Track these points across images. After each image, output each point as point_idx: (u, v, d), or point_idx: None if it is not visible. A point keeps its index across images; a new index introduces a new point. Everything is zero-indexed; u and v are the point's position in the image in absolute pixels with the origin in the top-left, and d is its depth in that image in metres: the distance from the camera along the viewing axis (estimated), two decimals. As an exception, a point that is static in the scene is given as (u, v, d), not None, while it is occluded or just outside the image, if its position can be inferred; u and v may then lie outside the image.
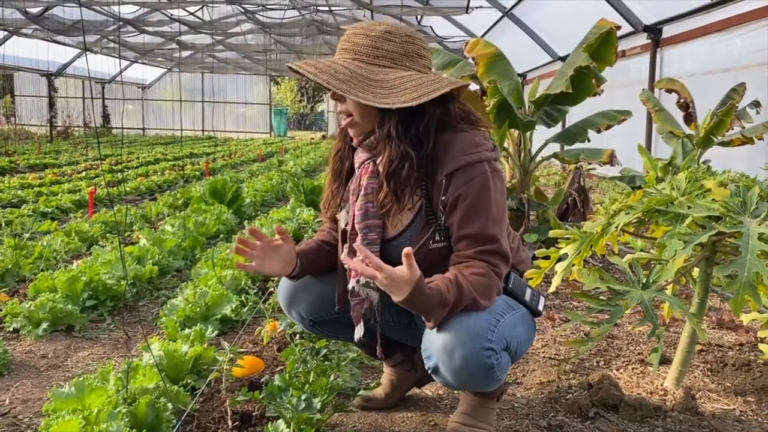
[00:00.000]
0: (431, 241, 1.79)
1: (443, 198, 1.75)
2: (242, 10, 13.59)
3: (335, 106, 1.89)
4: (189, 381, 2.31)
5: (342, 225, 1.94)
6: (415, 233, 1.81)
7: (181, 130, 25.75)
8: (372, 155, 1.85)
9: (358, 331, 1.89)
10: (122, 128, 24.81)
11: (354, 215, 1.86)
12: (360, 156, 1.89)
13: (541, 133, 4.80)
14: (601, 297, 2.10)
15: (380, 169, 1.81)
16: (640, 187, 3.14)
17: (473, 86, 4.81)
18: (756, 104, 4.90)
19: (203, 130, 27.27)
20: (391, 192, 1.78)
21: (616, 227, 2.11)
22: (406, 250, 1.56)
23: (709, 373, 2.59)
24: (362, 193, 1.84)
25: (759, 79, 5.95)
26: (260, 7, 13.06)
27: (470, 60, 4.50)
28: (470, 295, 1.66)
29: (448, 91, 1.75)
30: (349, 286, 1.85)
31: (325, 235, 2.08)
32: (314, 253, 2.01)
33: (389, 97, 1.68)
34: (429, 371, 1.77)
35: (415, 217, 1.82)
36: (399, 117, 1.73)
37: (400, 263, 1.59)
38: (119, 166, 11.35)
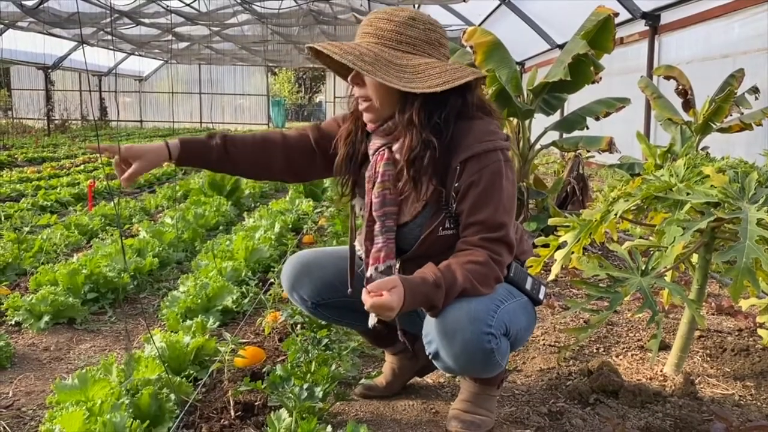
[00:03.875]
0: (441, 228, 1.79)
1: (456, 185, 1.75)
2: (239, 1, 13.52)
3: (347, 91, 1.86)
4: (191, 372, 2.31)
5: (357, 212, 1.95)
6: (426, 219, 1.82)
7: (178, 122, 25.68)
8: (387, 141, 1.83)
9: (372, 319, 1.88)
10: (102, 119, 24.72)
11: (371, 202, 1.85)
12: (374, 142, 1.87)
13: (539, 122, 4.80)
14: (601, 284, 2.11)
15: (397, 156, 1.80)
16: (639, 174, 3.14)
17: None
18: (755, 90, 4.89)
19: (201, 122, 27.19)
20: (411, 180, 1.78)
21: (615, 214, 2.12)
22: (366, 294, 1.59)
23: (708, 358, 2.60)
24: (379, 180, 1.83)
25: (758, 65, 5.94)
26: (256, -2, 13.01)
27: (468, 48, 4.48)
28: (467, 281, 1.67)
29: (468, 81, 1.74)
30: (368, 274, 1.85)
31: (281, 135, 1.98)
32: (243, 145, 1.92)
33: (414, 82, 1.67)
34: (429, 356, 1.78)
35: (428, 203, 1.81)
36: (422, 103, 1.72)
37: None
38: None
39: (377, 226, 1.84)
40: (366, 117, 1.82)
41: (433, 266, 1.69)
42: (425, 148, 1.74)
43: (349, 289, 1.96)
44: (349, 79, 1.77)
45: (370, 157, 1.88)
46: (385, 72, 1.66)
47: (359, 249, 1.94)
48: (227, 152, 1.90)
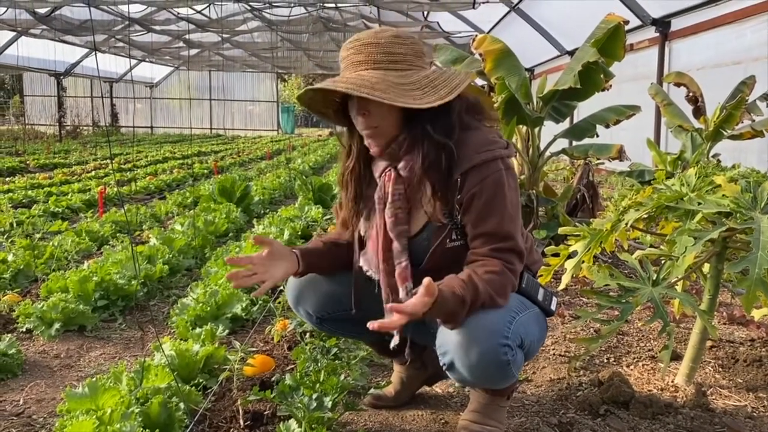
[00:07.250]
0: (448, 240, 1.80)
1: (458, 197, 1.76)
2: (249, 8, 13.59)
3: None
4: (200, 380, 2.32)
5: (362, 232, 1.95)
6: (433, 232, 1.82)
7: (189, 128, 25.82)
8: (391, 162, 1.84)
9: (395, 340, 1.89)
10: (113, 125, 24.90)
11: (385, 223, 1.85)
12: (379, 165, 1.89)
13: (549, 129, 4.78)
14: (611, 294, 2.10)
15: (402, 173, 1.81)
16: (649, 182, 3.12)
17: (480, 82, 4.79)
18: (766, 97, 4.85)
19: (211, 128, 27.32)
20: (431, 185, 1.79)
21: (626, 224, 2.11)
22: (426, 280, 1.55)
23: (721, 369, 2.58)
24: (390, 200, 1.84)
25: (769, 72, 5.90)
26: (266, 5, 13.06)
27: (477, 56, 4.48)
28: (486, 293, 1.67)
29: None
30: (401, 296, 1.83)
31: (334, 236, 2.09)
32: (320, 253, 2.00)
33: (425, 97, 1.69)
34: (444, 367, 1.77)
35: (431, 217, 1.83)
36: (430, 114, 1.74)
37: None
38: (128, 165, 11.41)
39: (395, 245, 1.84)
40: (373, 144, 1.80)
41: (458, 280, 1.66)
42: (441, 150, 1.76)
43: (353, 310, 1.97)
44: (354, 112, 1.76)
45: (377, 180, 1.90)
46: (398, 95, 1.67)
47: (368, 269, 1.94)
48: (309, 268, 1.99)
